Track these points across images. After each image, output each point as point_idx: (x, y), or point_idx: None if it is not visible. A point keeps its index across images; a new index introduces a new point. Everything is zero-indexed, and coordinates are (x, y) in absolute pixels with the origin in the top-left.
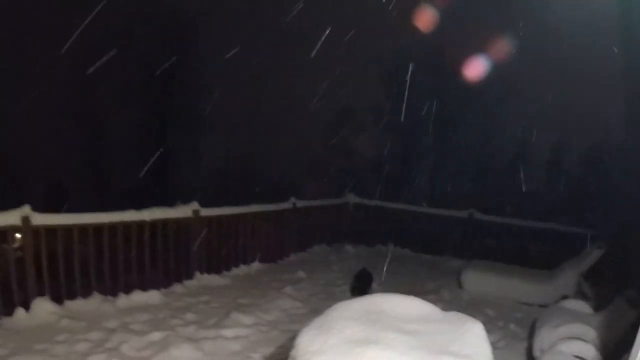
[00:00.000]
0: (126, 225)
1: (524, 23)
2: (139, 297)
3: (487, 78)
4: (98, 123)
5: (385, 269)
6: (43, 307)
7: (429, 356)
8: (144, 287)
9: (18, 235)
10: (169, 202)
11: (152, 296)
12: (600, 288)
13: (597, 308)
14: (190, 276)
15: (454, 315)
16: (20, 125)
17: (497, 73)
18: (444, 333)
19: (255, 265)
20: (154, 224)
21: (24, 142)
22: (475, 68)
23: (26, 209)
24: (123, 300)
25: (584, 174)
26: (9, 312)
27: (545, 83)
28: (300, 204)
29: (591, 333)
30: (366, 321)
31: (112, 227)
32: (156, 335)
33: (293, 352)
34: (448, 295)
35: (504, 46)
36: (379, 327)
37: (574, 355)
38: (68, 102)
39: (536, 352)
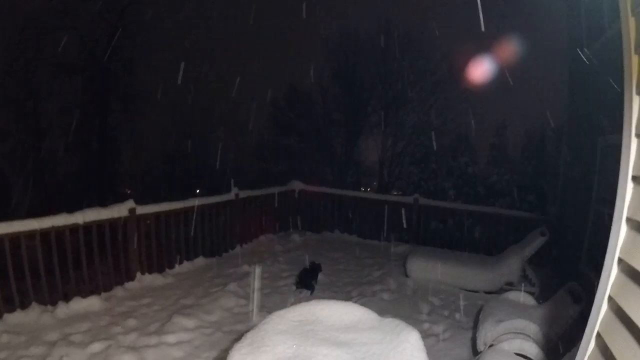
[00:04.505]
0: (59, 230)
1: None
2: (78, 304)
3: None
4: (35, 106)
5: (331, 256)
6: None
7: None
8: (84, 294)
9: None
10: (111, 189)
11: (92, 303)
12: (544, 273)
13: (540, 297)
14: (131, 277)
15: (391, 323)
16: None
17: (442, 57)
18: (379, 343)
19: (199, 260)
20: (88, 226)
21: None
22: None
23: None
24: (63, 309)
25: (527, 157)
26: None
27: (490, 67)
28: (243, 194)
29: (533, 328)
30: (300, 334)
31: (45, 232)
32: (97, 347)
33: None
34: (394, 283)
35: (451, 30)
36: (312, 341)
37: (515, 353)
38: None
39: (480, 347)
